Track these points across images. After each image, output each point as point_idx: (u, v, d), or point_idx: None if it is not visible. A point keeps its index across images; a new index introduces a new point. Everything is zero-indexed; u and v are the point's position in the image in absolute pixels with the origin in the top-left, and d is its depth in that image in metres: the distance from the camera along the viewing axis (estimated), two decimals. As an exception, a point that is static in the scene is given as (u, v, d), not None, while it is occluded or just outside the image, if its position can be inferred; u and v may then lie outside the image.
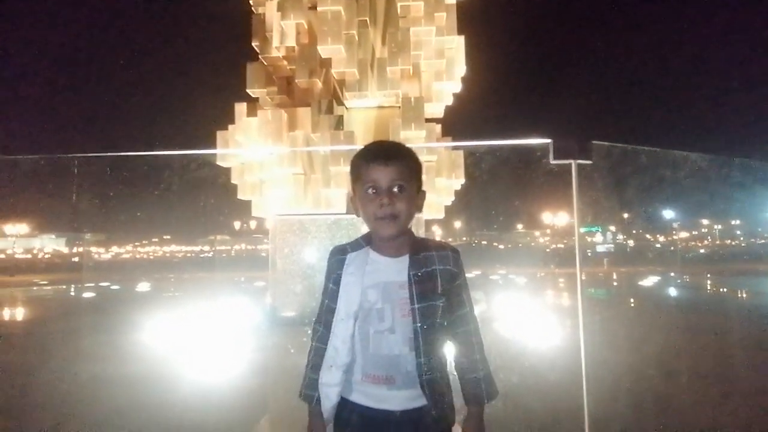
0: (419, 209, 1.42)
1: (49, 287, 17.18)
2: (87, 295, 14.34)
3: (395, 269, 1.36)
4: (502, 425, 2.81)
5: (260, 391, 4.20)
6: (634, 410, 3.40)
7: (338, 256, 1.42)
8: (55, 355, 5.65)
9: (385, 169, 1.35)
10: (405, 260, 1.36)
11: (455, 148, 7.82)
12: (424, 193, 1.44)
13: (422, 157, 7.52)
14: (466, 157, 7.73)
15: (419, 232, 7.04)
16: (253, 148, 7.42)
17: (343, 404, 1.36)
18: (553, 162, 2.00)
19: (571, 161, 2.03)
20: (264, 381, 4.51)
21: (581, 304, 2.36)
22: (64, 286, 17.32)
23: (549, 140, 2.00)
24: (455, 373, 1.43)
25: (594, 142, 2.02)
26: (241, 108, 7.66)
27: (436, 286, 1.34)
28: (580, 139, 1.99)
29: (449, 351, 1.41)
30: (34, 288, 16.76)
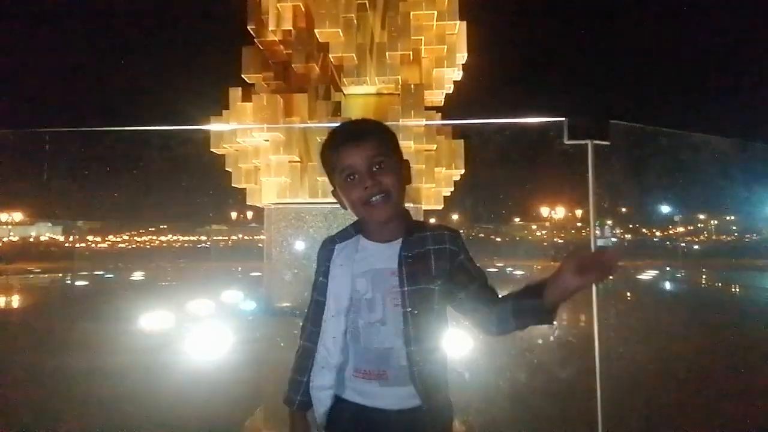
0: (408, 180, 1.29)
1: (44, 275, 17.07)
2: (80, 283, 14.23)
3: (386, 255, 1.22)
4: (510, 427, 2.68)
5: (254, 383, 4.10)
6: (651, 410, 3.25)
7: (327, 247, 1.30)
8: (45, 346, 5.53)
9: (358, 149, 1.21)
10: (398, 245, 1.22)
11: (461, 134, 7.62)
12: (407, 162, 1.31)
13: (421, 146, 7.40)
14: (468, 147, 7.56)
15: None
16: (250, 131, 7.23)
17: (335, 402, 1.24)
18: (567, 142, 1.84)
19: (588, 141, 1.87)
20: (258, 372, 4.41)
21: (596, 298, 2.21)
22: (60, 275, 17.20)
23: (564, 119, 1.85)
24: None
25: (612, 121, 1.86)
26: (235, 93, 7.46)
27: (429, 267, 1.20)
28: (597, 118, 1.82)
29: (447, 343, 1.26)
30: (31, 276, 16.66)
